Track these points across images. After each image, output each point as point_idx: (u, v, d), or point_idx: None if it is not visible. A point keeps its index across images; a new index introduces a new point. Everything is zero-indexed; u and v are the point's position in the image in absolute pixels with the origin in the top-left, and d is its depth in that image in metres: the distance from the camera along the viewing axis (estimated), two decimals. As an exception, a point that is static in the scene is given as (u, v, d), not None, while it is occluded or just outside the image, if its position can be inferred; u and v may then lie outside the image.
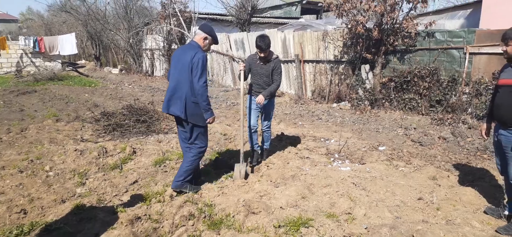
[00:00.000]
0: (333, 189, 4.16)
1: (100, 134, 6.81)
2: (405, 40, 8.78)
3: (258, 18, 16.66)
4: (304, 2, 22.31)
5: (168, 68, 15.07)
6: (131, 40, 17.97)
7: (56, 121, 7.85)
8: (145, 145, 6.08)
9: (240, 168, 4.57)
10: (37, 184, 4.45)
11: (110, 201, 3.98)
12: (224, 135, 6.83)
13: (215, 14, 16.68)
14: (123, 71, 19.13)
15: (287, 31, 11.59)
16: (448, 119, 7.31)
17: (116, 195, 4.18)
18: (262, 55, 4.76)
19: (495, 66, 7.50)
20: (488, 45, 7.57)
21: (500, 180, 4.41)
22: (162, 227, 3.34)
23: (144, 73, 18.10)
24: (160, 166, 5.09)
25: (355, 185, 4.29)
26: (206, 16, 16.31)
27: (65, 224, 3.37)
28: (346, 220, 3.48)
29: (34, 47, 18.75)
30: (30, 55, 18.90)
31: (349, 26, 9.22)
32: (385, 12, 8.56)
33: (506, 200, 3.53)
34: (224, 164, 5.29)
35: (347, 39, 9.61)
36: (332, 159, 5.41)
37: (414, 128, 7.08)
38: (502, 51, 3.30)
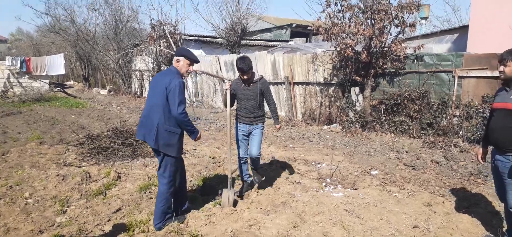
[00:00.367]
0: (325, 216, 4.01)
1: (84, 157, 6.58)
2: (394, 63, 8.82)
3: (248, 41, 16.72)
4: (293, 25, 22.57)
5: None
6: (120, 61, 17.82)
7: (39, 144, 7.59)
8: (130, 169, 5.87)
9: (228, 194, 4.38)
10: (15, 212, 4.21)
11: (91, 231, 3.76)
12: (213, 158, 6.65)
13: (205, 36, 16.70)
14: (112, 92, 18.90)
15: (277, 54, 11.59)
16: (439, 142, 7.26)
17: (98, 224, 3.96)
18: (244, 77, 4.52)
19: (484, 90, 7.54)
20: (476, 68, 7.62)
21: (497, 206, 4.31)
22: (145, 261, 3.14)
23: (133, 94, 17.90)
24: (145, 192, 4.88)
25: (348, 212, 4.14)
26: (196, 38, 16.31)
27: (40, 258, 3.15)
28: (340, 250, 3.32)
29: (21, 67, 18.46)
30: (16, 75, 18.59)
31: (338, 49, 9.24)
32: (373, 36, 8.61)
33: (505, 228, 3.42)
34: (212, 189, 5.11)
35: (337, 61, 9.63)
36: (324, 184, 5.27)
37: (406, 151, 7.01)
38: (499, 72, 3.22)
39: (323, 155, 7.03)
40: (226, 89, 4.57)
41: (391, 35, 8.97)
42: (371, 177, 5.58)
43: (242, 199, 4.79)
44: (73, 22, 19.86)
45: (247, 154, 4.82)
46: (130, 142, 6.89)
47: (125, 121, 10.69)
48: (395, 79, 8.93)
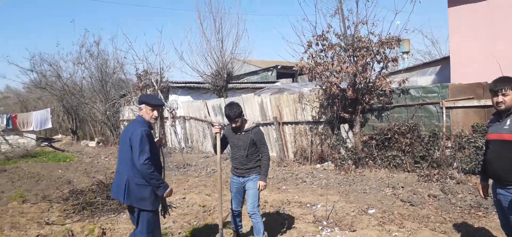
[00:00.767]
0: (324, 263, 3.77)
1: (68, 214, 6.25)
2: (380, 98, 8.85)
3: (235, 84, 16.82)
4: (279, 67, 22.92)
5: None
6: (107, 112, 17.68)
7: (22, 202, 7.26)
8: (116, 223, 5.57)
9: (220, 245, 4.12)
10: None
11: None
12: (203, 206, 6.38)
13: (192, 83, 16.75)
14: (101, 144, 18.60)
15: (264, 95, 11.61)
16: (435, 174, 7.14)
17: None
18: (233, 125, 4.17)
19: (473, 119, 7.54)
20: (463, 98, 7.67)
21: (501, 240, 4.12)
22: None
23: (122, 145, 17.60)
24: (131, 249, 4.57)
25: (348, 256, 3.91)
26: (183, 84, 16.34)
27: None
28: None
29: (7, 125, 18.21)
30: (2, 133, 18.27)
31: (323, 87, 9.26)
32: (357, 72, 8.67)
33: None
34: (203, 241, 4.84)
35: (323, 100, 9.64)
36: (320, 227, 5.04)
37: (402, 186, 6.85)
38: (498, 103, 3.03)
39: (317, 195, 6.82)
40: (216, 133, 4.27)
41: (374, 70, 9.07)
42: (368, 216, 5.38)
43: (235, 249, 4.52)
44: (59, 77, 19.87)
45: (239, 209, 4.43)
46: (116, 195, 6.60)
47: (113, 172, 10.38)
48: (383, 114, 8.93)
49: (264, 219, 5.41)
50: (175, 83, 16.31)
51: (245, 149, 4.16)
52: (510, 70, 7.25)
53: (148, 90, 15.02)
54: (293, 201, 6.50)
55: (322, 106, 9.82)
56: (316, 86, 9.73)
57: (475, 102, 7.49)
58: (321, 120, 9.91)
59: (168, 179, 9.29)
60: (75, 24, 51.48)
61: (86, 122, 22.52)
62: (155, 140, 3.70)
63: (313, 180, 8.15)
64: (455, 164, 7.43)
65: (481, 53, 8.78)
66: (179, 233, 5.09)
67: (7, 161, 14.16)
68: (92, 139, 21.04)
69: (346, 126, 9.38)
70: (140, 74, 15.61)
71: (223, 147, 4.39)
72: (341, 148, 9.37)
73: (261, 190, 4.16)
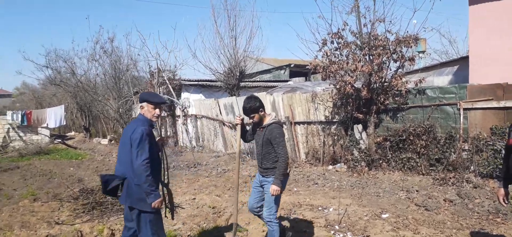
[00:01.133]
0: (336, 271, 3.64)
1: (78, 213, 6.25)
2: (396, 98, 8.63)
3: (247, 83, 16.71)
4: (292, 65, 22.72)
5: (161, 135, 14.77)
6: (120, 110, 17.78)
7: (33, 201, 7.30)
8: (126, 225, 5.53)
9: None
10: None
11: None
12: (213, 207, 6.31)
13: (204, 81, 16.71)
14: (113, 141, 18.73)
15: (276, 94, 11.47)
16: (450, 178, 6.92)
17: None
18: (250, 121, 4.01)
19: (491, 121, 7.28)
20: (481, 100, 7.41)
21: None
22: None
23: (134, 142, 17.69)
24: (140, 251, 4.52)
25: (361, 264, 3.77)
26: (195, 82, 16.32)
27: None
28: None
29: (22, 121, 18.47)
30: (17, 129, 18.54)
31: (337, 86, 9.09)
32: (372, 72, 8.48)
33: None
34: (212, 244, 4.76)
35: (337, 99, 9.45)
36: (332, 232, 4.90)
37: (417, 190, 6.65)
38: None
39: (329, 198, 6.68)
40: (237, 124, 4.08)
41: (390, 70, 8.84)
42: (382, 221, 5.22)
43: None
44: (74, 73, 20.05)
45: (254, 207, 4.14)
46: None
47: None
48: (398, 115, 8.71)
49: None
50: (188, 81, 16.29)
51: (261, 146, 3.93)
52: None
53: (160, 88, 15.05)
54: (305, 204, 6.37)
55: (336, 106, 9.63)
56: (330, 85, 9.54)
57: (494, 104, 7.23)
58: (334, 120, 9.73)
59: (178, 178, 9.26)
60: (90, 21, 52.03)
61: (99, 119, 22.72)
62: (157, 139, 3.60)
63: (325, 182, 8.00)
64: (472, 167, 7.19)
65: (501, 53, 8.48)
66: (188, 235, 5.02)
67: (21, 158, 14.37)
68: (104, 136, 21.25)
69: (360, 126, 9.18)
70: (153, 71, 15.63)
71: (245, 138, 4.21)
72: (354, 149, 9.19)
73: (273, 195, 3.80)
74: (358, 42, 9.03)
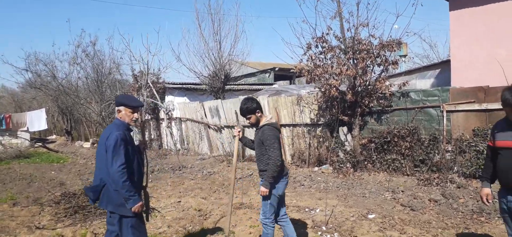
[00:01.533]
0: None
1: (59, 218, 6.06)
2: (380, 101, 8.73)
3: (232, 86, 16.66)
4: (276, 69, 22.79)
5: (141, 139, 14.55)
6: (103, 113, 17.47)
7: (12, 205, 7.05)
8: (109, 228, 5.38)
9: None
10: None
11: None
12: (199, 210, 6.22)
13: (188, 84, 16.55)
14: (95, 145, 18.36)
15: (261, 97, 11.46)
16: (435, 178, 7.02)
17: None
18: (247, 122, 4.01)
19: (474, 123, 7.43)
20: (464, 102, 7.55)
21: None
22: None
23: (117, 145, 17.41)
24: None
25: (349, 264, 3.76)
26: (180, 85, 16.17)
27: None
28: None
29: (0, 124, 17.95)
30: (-5, 134, 18.01)
31: (322, 89, 9.14)
32: (357, 75, 8.54)
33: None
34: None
35: (322, 102, 9.50)
36: (319, 233, 4.89)
37: (402, 191, 6.72)
38: None
39: (316, 199, 6.68)
40: (234, 136, 4.04)
41: (374, 73, 8.95)
42: (368, 221, 5.24)
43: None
44: (54, 77, 19.62)
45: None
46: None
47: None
48: (382, 117, 8.81)
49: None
50: (172, 84, 16.13)
51: (258, 146, 3.88)
52: (511, 74, 7.19)
53: (144, 91, 14.84)
54: (291, 205, 6.34)
55: (321, 108, 9.69)
56: (314, 88, 9.59)
57: (476, 106, 7.38)
58: (320, 123, 9.77)
59: (163, 181, 9.12)
60: (71, 24, 50.93)
61: (81, 123, 22.30)
62: (136, 143, 3.51)
63: (311, 183, 8.01)
64: (455, 168, 7.31)
65: (482, 57, 8.70)
66: (173, 238, 4.93)
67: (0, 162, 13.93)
68: (86, 139, 20.83)
69: (345, 128, 9.25)
70: (136, 75, 15.42)
71: (249, 146, 4.17)
72: (339, 151, 9.24)
73: (261, 195, 3.76)
74: (342, 46, 9.11)
